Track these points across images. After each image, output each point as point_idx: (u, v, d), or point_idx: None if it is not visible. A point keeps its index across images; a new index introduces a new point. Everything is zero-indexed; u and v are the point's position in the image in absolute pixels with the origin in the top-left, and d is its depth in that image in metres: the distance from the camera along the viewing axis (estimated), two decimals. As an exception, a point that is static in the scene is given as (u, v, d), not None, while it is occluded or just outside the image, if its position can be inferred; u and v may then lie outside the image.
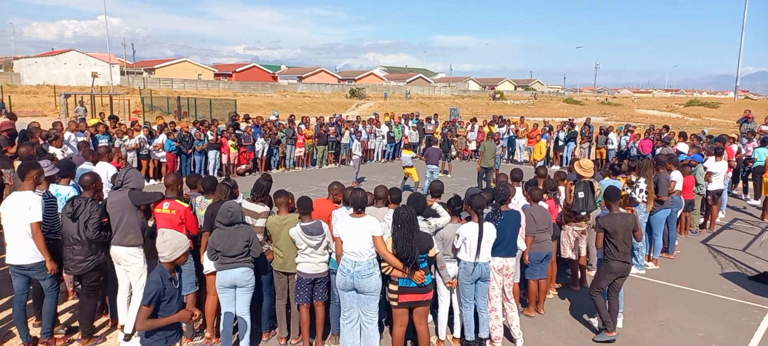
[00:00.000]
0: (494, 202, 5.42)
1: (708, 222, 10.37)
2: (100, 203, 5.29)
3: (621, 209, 5.75)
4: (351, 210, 4.85)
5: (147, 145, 13.82)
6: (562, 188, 7.13)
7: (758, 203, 12.80)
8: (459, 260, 5.13)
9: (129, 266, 5.21)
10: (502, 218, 5.30)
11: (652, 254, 8.05)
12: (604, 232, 5.52)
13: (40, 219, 4.87)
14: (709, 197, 10.18)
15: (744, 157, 13.52)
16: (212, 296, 5.17)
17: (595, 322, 5.90)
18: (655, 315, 6.33)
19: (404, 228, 4.47)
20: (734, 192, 13.86)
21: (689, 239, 9.59)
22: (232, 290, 4.91)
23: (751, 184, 13.28)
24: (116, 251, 5.17)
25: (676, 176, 8.38)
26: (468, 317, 5.22)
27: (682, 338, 5.77)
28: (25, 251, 4.89)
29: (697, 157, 10.33)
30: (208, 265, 5.11)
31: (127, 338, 5.24)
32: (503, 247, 5.31)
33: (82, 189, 5.36)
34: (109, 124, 14.15)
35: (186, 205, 5.28)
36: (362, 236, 4.57)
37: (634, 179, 7.70)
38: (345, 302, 4.77)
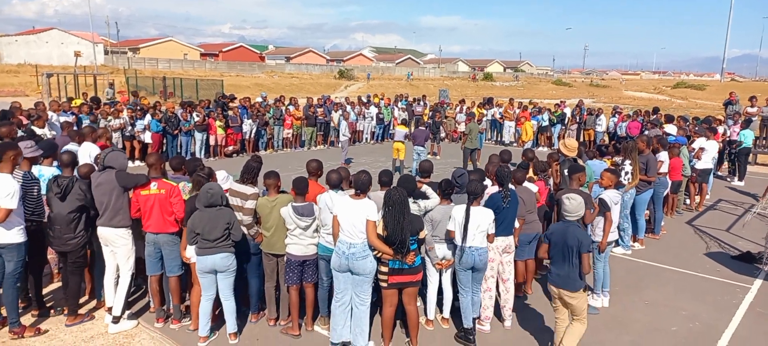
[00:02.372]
0: (501, 183, 5.38)
1: (692, 201, 10.53)
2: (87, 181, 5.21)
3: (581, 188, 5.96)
4: (339, 193, 4.81)
5: (129, 126, 13.65)
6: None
7: (742, 183, 13.01)
8: (455, 246, 5.09)
9: (117, 247, 5.15)
10: (511, 199, 5.31)
11: (637, 235, 8.14)
12: (556, 204, 5.95)
13: (14, 208, 4.64)
14: (693, 174, 10.29)
15: (729, 139, 13.69)
16: (198, 285, 5.07)
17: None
18: (641, 295, 6.42)
19: (395, 210, 4.44)
20: (719, 173, 14.04)
21: (675, 220, 9.72)
22: (213, 275, 4.86)
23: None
24: (105, 232, 5.10)
25: (663, 156, 8.44)
26: (465, 304, 5.13)
27: (668, 317, 5.87)
28: None
29: (681, 139, 10.42)
30: (190, 253, 4.98)
31: (116, 320, 5.20)
32: (506, 226, 5.32)
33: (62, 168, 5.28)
34: (92, 105, 13.90)
35: (175, 183, 5.19)
36: (357, 218, 4.53)
37: (619, 160, 7.74)
38: (338, 284, 4.74)
